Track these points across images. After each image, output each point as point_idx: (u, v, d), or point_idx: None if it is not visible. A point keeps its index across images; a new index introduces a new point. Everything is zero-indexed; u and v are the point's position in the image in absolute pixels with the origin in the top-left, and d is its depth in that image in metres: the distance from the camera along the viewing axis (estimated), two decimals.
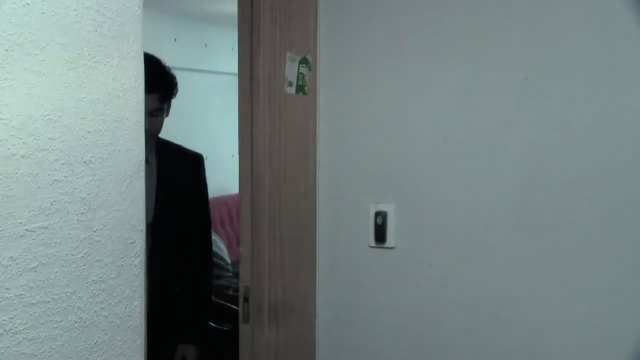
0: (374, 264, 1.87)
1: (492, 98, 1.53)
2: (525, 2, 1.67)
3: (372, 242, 1.86)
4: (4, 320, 0.83)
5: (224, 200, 5.39)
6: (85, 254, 0.99)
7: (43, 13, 0.89)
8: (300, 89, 1.89)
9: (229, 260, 4.81)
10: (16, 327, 0.85)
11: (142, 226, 1.15)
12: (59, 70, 0.92)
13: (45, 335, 0.91)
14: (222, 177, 5.54)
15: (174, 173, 2.20)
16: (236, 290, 3.33)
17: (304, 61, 1.88)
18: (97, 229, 1.01)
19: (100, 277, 1.03)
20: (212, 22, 5.35)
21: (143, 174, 1.16)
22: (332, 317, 1.83)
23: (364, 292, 1.84)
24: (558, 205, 1.56)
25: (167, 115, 2.22)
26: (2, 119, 0.82)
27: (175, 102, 2.24)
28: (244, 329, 1.99)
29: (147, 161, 1.85)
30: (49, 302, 0.91)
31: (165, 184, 2.15)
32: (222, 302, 3.32)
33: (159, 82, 2.08)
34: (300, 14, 1.88)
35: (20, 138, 0.85)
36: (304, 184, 1.91)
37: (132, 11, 1.10)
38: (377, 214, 1.85)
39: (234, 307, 2.93)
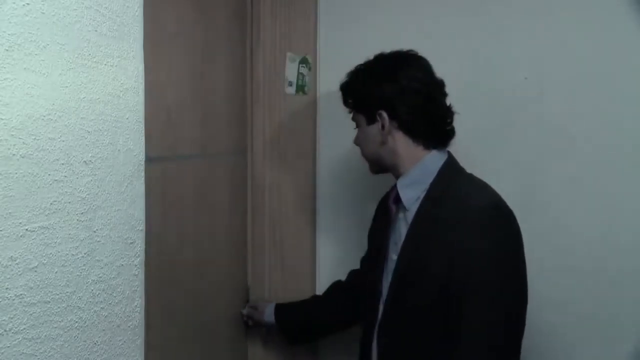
0: None
1: (492, 98, 1.54)
2: (525, 2, 1.67)
3: None
4: (4, 320, 0.83)
5: None
6: (85, 254, 0.99)
7: (43, 13, 0.89)
8: (300, 89, 1.89)
9: None
10: (16, 327, 0.85)
11: (142, 226, 1.15)
12: (59, 70, 0.92)
13: (45, 335, 0.91)
14: None
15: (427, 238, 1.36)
16: None
17: (304, 61, 1.88)
18: (97, 229, 1.01)
19: (100, 277, 1.03)
20: None
21: (143, 174, 1.16)
22: None
23: None
24: (558, 204, 1.56)
25: (379, 129, 1.44)
26: (2, 119, 0.82)
27: None
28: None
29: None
30: (48, 302, 0.91)
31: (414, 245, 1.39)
32: None
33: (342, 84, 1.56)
34: (300, 14, 1.88)
35: (20, 138, 0.85)
36: (304, 184, 1.91)
37: (132, 11, 1.10)
38: None
39: None
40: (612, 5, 1.58)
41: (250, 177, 1.93)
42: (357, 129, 1.51)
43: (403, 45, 1.58)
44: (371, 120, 1.43)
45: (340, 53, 1.87)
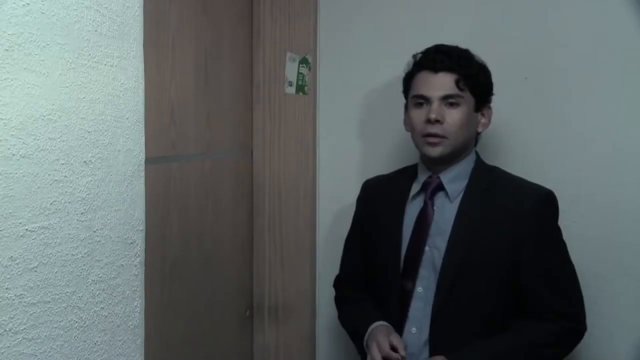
0: None
1: (492, 98, 1.54)
2: (525, 2, 1.67)
3: None
4: (4, 320, 0.83)
5: None
6: (85, 254, 0.99)
7: (43, 13, 0.89)
8: (300, 89, 1.89)
9: None
10: (16, 327, 0.85)
11: (142, 226, 1.15)
12: (59, 70, 0.92)
13: (45, 335, 0.91)
14: None
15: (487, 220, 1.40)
16: None
17: (304, 61, 1.88)
18: (97, 229, 1.01)
19: (100, 277, 1.03)
20: None
21: (143, 174, 1.16)
22: (332, 316, 1.83)
23: None
24: (558, 204, 1.56)
25: (481, 119, 1.47)
26: (2, 119, 0.82)
27: None
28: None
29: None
30: (49, 302, 0.91)
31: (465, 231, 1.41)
32: None
33: (454, 57, 1.43)
34: (300, 14, 1.88)
35: (20, 138, 0.85)
36: (304, 184, 1.91)
37: (132, 11, 1.10)
38: None
39: None
40: (613, 5, 1.58)
41: (251, 177, 1.93)
42: (452, 108, 1.40)
43: (404, 45, 1.58)
44: (477, 108, 1.46)
45: (340, 53, 1.87)
